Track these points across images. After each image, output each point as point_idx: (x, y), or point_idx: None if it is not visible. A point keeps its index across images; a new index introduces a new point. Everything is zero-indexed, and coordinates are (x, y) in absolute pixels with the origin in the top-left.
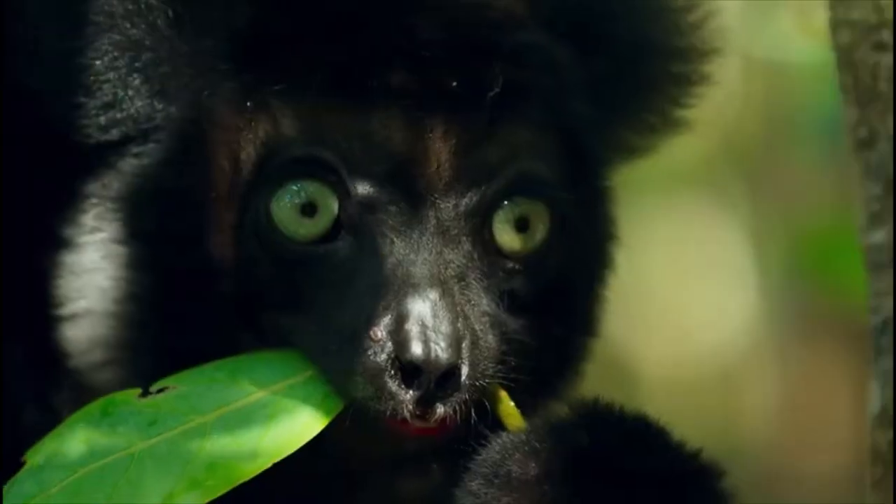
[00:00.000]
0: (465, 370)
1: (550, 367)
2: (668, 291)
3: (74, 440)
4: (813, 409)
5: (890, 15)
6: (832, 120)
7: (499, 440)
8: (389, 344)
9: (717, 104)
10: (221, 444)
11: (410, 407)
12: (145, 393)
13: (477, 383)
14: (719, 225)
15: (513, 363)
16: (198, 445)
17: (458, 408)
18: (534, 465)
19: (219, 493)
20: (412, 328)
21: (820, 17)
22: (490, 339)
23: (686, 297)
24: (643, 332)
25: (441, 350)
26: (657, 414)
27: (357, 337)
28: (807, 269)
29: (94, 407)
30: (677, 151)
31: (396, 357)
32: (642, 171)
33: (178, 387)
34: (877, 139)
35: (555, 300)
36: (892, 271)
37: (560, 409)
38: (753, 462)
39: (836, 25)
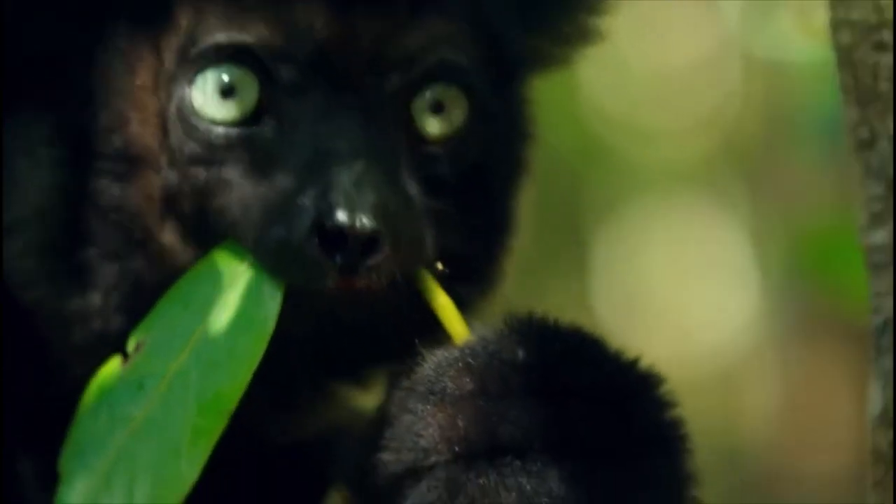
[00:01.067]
0: (388, 239)
1: (472, 257)
2: (668, 291)
3: (88, 435)
4: (813, 409)
5: (890, 15)
6: (832, 120)
7: (434, 356)
8: (314, 212)
9: (718, 104)
10: (203, 381)
11: (336, 275)
12: (124, 356)
13: (403, 263)
14: (719, 225)
15: (437, 249)
16: (184, 395)
17: (384, 281)
18: (469, 380)
19: (220, 430)
20: (337, 196)
21: (820, 17)
22: (413, 219)
23: (686, 298)
24: (644, 332)
25: (365, 216)
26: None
27: (283, 212)
28: (807, 270)
29: (90, 395)
30: (678, 150)
31: (321, 224)
32: (642, 170)
33: (147, 339)
34: (877, 139)
35: (475, 191)
36: (892, 271)
37: (496, 324)
38: (754, 462)
39: (836, 25)
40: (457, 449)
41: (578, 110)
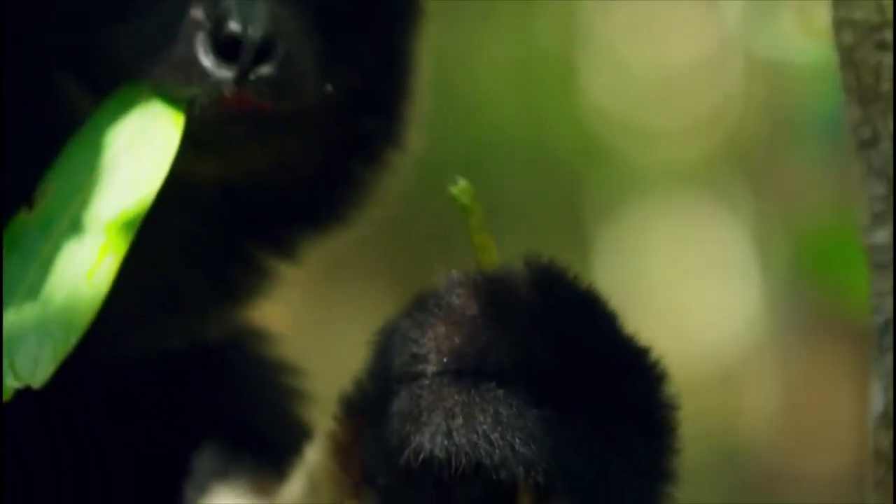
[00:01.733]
0: (282, 48)
1: (370, 93)
2: (669, 291)
3: (10, 296)
4: (814, 408)
5: (892, 15)
6: (834, 120)
7: (452, 276)
8: (208, 23)
9: (719, 104)
10: (106, 205)
11: (232, 86)
12: (29, 205)
13: (297, 82)
14: (721, 225)
15: (331, 77)
16: (88, 221)
17: (279, 100)
18: (475, 303)
19: (125, 249)
20: (229, 6)
21: (822, 16)
22: (304, 38)
23: (687, 297)
24: (645, 332)
25: (258, 23)
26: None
27: (177, 29)
28: (808, 269)
29: (6, 251)
30: (679, 150)
31: (215, 34)
32: (643, 170)
33: (51, 185)
34: (879, 139)
35: (367, 26)
36: (893, 271)
37: (516, 263)
38: (755, 461)
39: (838, 25)
40: (446, 361)
41: (579, 111)
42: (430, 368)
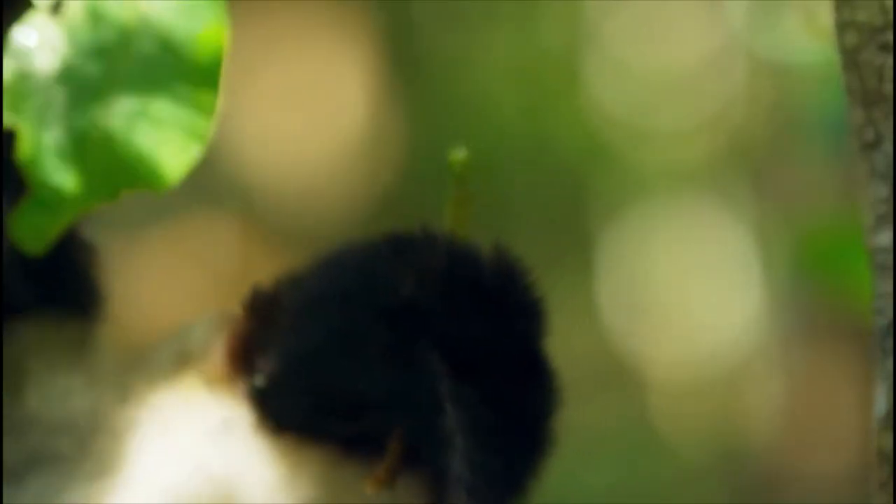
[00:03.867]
0: None
1: None
2: (673, 293)
3: None
4: (818, 410)
5: (894, 17)
6: (838, 122)
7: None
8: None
9: (722, 106)
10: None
11: None
12: None
13: None
14: (724, 226)
15: None
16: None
17: None
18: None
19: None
20: None
21: (825, 18)
22: None
23: (691, 299)
24: (647, 334)
25: None
26: (661, 415)
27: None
28: (812, 271)
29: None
30: (683, 152)
31: None
32: (647, 172)
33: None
34: (882, 141)
35: None
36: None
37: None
38: (758, 463)
39: (841, 27)
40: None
41: (582, 112)
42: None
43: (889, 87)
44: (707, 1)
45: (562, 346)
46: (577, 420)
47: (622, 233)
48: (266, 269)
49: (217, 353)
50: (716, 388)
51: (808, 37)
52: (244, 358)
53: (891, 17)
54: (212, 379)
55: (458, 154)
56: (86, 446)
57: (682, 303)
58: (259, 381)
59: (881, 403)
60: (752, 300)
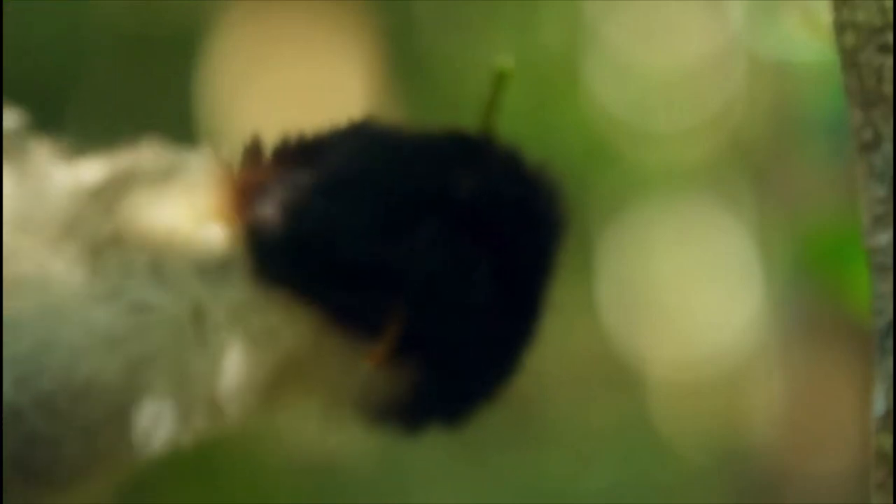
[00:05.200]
0: None
1: None
2: (673, 293)
3: None
4: (818, 410)
5: (893, 17)
6: (837, 122)
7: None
8: None
9: (723, 106)
10: None
11: None
12: None
13: None
14: (724, 227)
15: None
16: None
17: None
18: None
19: None
20: None
21: (825, 18)
22: None
23: (691, 299)
24: (648, 335)
25: None
26: (661, 415)
27: None
28: (812, 271)
29: None
30: (683, 152)
31: None
32: (647, 172)
33: None
34: (881, 141)
35: None
36: (894, 273)
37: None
38: (758, 463)
39: (840, 28)
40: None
41: (583, 113)
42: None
43: (888, 87)
44: (707, 1)
45: (562, 346)
46: (577, 420)
47: (622, 233)
48: None
49: (216, 190)
50: (716, 388)
51: (807, 37)
52: (247, 202)
53: (890, 18)
54: (205, 215)
55: (507, 61)
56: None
57: (682, 303)
58: (264, 230)
59: (880, 403)
60: (752, 300)
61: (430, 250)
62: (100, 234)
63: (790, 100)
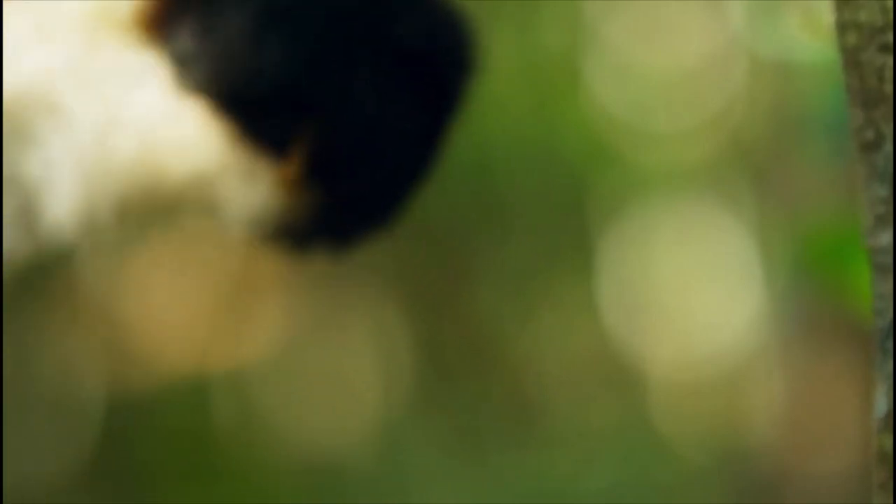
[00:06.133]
0: None
1: None
2: (673, 293)
3: None
4: (819, 411)
5: (894, 17)
6: (839, 122)
7: None
8: None
9: (723, 106)
10: None
11: None
12: None
13: None
14: (725, 227)
15: None
16: None
17: None
18: None
19: None
20: None
21: (826, 18)
22: None
23: (692, 299)
24: (648, 334)
25: None
26: (661, 416)
27: None
28: (813, 272)
29: None
30: (683, 152)
31: None
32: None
33: None
34: (882, 141)
35: None
36: (894, 274)
37: None
38: (758, 463)
39: (842, 27)
40: None
41: (583, 113)
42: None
43: (889, 87)
44: (707, 1)
45: (562, 346)
46: (577, 420)
47: (623, 233)
48: (267, 270)
49: (139, 4)
50: (716, 388)
51: (808, 37)
52: (168, 15)
53: (891, 17)
54: (127, 27)
55: None
56: None
57: (682, 303)
58: (184, 39)
59: (881, 404)
60: (752, 300)
61: (347, 77)
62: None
63: (791, 100)
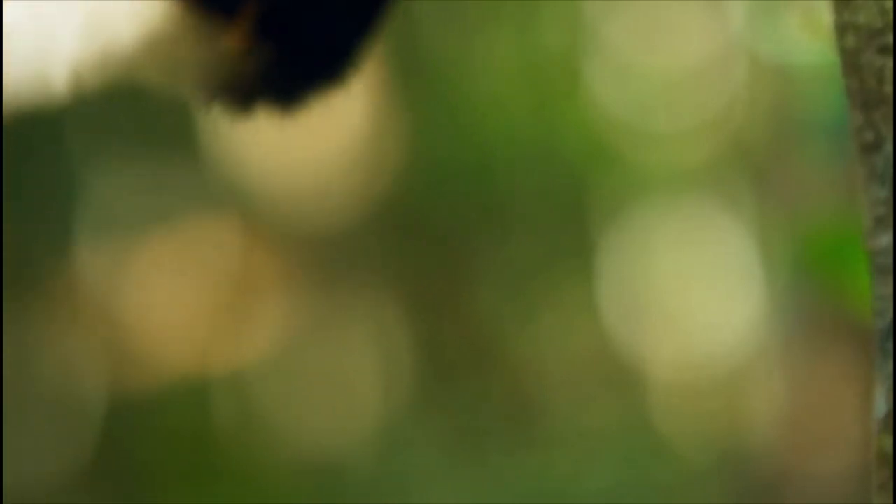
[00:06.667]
0: None
1: None
2: (674, 294)
3: None
4: (819, 411)
5: (893, 19)
6: (838, 123)
7: None
8: None
9: (723, 107)
10: None
11: None
12: None
13: None
14: (725, 227)
15: None
16: None
17: None
18: None
19: None
20: None
21: (826, 20)
22: None
23: (692, 300)
24: (648, 335)
25: None
26: (661, 416)
27: None
28: (813, 273)
29: None
30: (684, 153)
31: None
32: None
33: None
34: (882, 143)
35: None
36: (894, 275)
37: None
38: (758, 464)
39: (841, 29)
40: None
41: (584, 114)
42: None
43: (889, 89)
44: (707, 2)
45: (562, 346)
46: (577, 420)
47: (623, 233)
48: (267, 270)
49: None
50: (716, 388)
51: (808, 39)
52: None
53: (890, 19)
54: None
55: None
56: None
57: (682, 303)
58: None
59: (881, 405)
60: (752, 301)
61: None
62: None
63: (791, 101)
